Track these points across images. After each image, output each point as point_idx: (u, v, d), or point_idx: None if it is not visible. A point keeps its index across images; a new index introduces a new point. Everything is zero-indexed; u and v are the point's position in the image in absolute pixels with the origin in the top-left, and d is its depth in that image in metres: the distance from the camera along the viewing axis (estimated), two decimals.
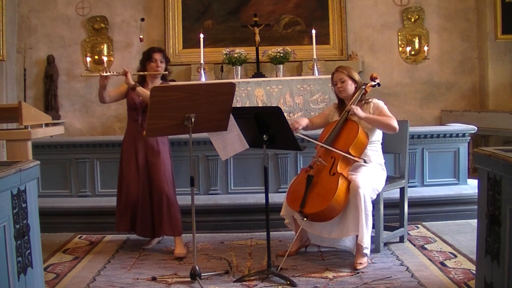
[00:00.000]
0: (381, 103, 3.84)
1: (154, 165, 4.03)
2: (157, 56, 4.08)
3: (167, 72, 4.19)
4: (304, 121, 3.90)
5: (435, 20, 7.69)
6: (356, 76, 3.89)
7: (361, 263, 3.58)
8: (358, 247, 3.59)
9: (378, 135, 3.87)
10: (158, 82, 4.15)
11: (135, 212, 4.05)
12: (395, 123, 3.71)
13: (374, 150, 3.85)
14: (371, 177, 3.68)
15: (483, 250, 2.48)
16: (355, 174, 3.65)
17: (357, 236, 3.56)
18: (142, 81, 4.11)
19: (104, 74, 3.89)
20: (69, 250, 4.23)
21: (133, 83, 3.97)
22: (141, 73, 4.09)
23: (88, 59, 7.57)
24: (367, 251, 3.60)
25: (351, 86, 3.86)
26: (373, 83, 3.92)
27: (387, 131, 3.75)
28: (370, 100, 3.86)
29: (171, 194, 4.03)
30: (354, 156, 3.64)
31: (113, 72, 3.96)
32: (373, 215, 3.67)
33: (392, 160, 4.83)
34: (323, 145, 3.69)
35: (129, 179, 4.06)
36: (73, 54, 7.74)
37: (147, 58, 4.10)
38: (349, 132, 3.69)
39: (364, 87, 3.85)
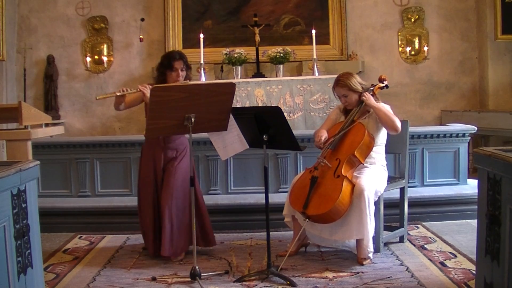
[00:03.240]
0: (387, 106, 3.83)
1: (166, 177, 3.83)
2: (178, 65, 3.84)
3: (188, 81, 3.89)
4: (325, 133, 3.81)
5: (435, 20, 7.69)
6: (358, 86, 3.79)
7: (365, 259, 3.62)
8: (362, 250, 3.60)
9: (383, 138, 3.86)
10: None
11: (155, 227, 3.86)
12: (399, 124, 3.71)
13: (379, 152, 3.84)
14: (375, 180, 3.68)
15: (483, 250, 2.48)
16: (359, 177, 3.64)
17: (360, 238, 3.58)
18: None
19: (119, 93, 3.70)
20: (69, 250, 4.23)
21: None
22: (163, 85, 3.64)
23: (88, 59, 7.57)
24: (371, 254, 3.63)
25: (355, 97, 3.81)
26: (382, 84, 3.90)
27: (390, 129, 3.74)
28: (377, 102, 3.85)
29: (175, 211, 3.79)
30: (357, 160, 3.63)
31: (129, 90, 3.74)
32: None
33: (392, 160, 4.82)
34: (330, 144, 3.68)
35: (146, 189, 3.88)
36: (73, 54, 7.74)
37: (167, 66, 3.86)
38: (356, 134, 3.68)
39: (372, 88, 3.83)
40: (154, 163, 3.89)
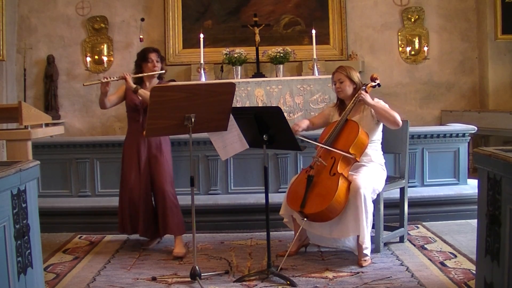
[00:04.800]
0: (382, 102, 3.85)
1: (156, 165, 4.04)
2: (153, 56, 4.08)
3: (164, 71, 4.19)
4: (305, 123, 3.92)
5: (435, 20, 7.69)
6: (356, 77, 3.89)
7: (365, 260, 3.62)
8: (359, 247, 3.60)
9: (378, 135, 3.88)
10: (155, 82, 4.16)
11: (137, 213, 4.05)
12: (399, 118, 3.73)
13: (375, 149, 3.85)
14: (371, 177, 3.68)
15: (483, 250, 2.48)
16: (356, 174, 3.65)
17: (357, 236, 3.58)
18: (140, 82, 4.10)
19: (104, 80, 3.92)
20: (69, 250, 4.23)
21: (134, 86, 3.97)
22: (139, 75, 4.08)
23: (88, 59, 7.57)
24: (367, 251, 3.62)
25: (349, 87, 3.87)
26: (374, 83, 3.92)
27: (391, 125, 3.74)
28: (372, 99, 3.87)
29: (172, 193, 4.05)
30: (353, 155, 3.64)
31: (113, 78, 3.97)
32: (373, 215, 3.68)
33: (392, 160, 4.82)
34: (322, 145, 3.69)
35: (131, 180, 4.06)
36: (73, 54, 7.74)
37: (143, 59, 4.10)
38: (350, 132, 3.70)
39: (364, 87, 3.85)
40: (138, 151, 4.05)
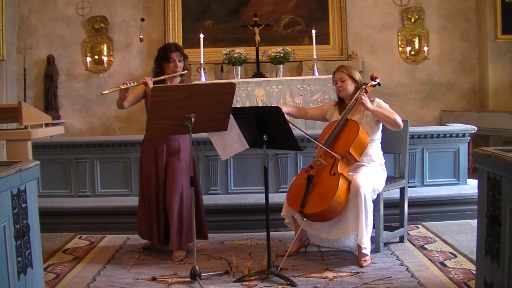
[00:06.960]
0: (383, 102, 3.86)
1: (170, 172, 3.88)
2: (175, 56, 3.91)
3: (186, 71, 4.02)
4: (292, 110, 4.08)
5: (435, 20, 7.69)
6: (357, 76, 3.90)
7: (365, 260, 3.61)
8: (359, 247, 3.60)
9: (378, 134, 3.88)
10: (177, 81, 4.02)
11: (159, 222, 3.92)
12: (400, 120, 3.73)
13: (375, 149, 3.85)
14: (371, 177, 3.68)
15: (483, 250, 2.48)
16: (356, 174, 3.66)
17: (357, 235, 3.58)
18: (161, 82, 3.89)
19: (124, 86, 3.76)
20: (69, 250, 4.23)
21: None
22: (160, 77, 3.87)
23: (88, 59, 7.57)
24: (366, 251, 3.62)
25: (351, 86, 3.87)
26: (374, 82, 3.92)
27: (392, 127, 3.75)
28: (372, 99, 3.87)
29: (180, 204, 3.87)
30: (352, 158, 3.65)
31: (133, 83, 3.81)
32: (373, 215, 3.67)
33: (392, 160, 4.82)
34: (322, 146, 3.69)
35: (149, 187, 3.93)
36: (73, 54, 7.74)
37: (164, 58, 3.93)
38: (350, 132, 3.70)
39: (364, 86, 3.86)
40: (155, 156, 3.93)
